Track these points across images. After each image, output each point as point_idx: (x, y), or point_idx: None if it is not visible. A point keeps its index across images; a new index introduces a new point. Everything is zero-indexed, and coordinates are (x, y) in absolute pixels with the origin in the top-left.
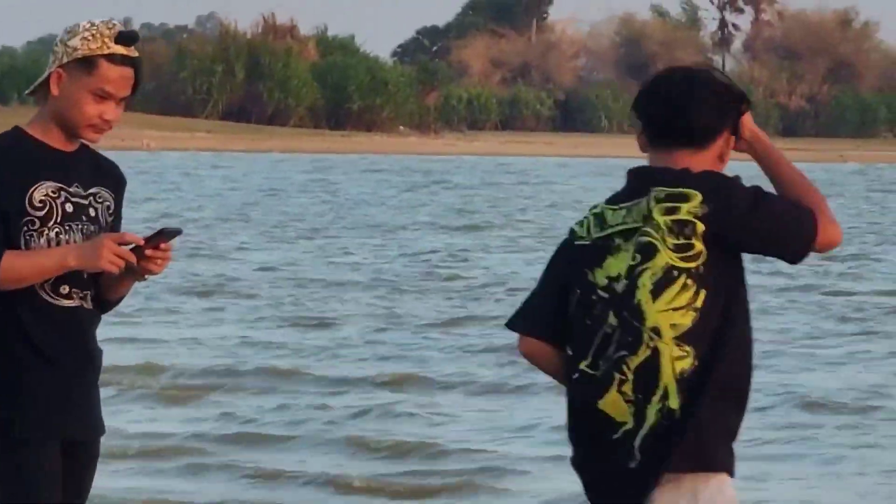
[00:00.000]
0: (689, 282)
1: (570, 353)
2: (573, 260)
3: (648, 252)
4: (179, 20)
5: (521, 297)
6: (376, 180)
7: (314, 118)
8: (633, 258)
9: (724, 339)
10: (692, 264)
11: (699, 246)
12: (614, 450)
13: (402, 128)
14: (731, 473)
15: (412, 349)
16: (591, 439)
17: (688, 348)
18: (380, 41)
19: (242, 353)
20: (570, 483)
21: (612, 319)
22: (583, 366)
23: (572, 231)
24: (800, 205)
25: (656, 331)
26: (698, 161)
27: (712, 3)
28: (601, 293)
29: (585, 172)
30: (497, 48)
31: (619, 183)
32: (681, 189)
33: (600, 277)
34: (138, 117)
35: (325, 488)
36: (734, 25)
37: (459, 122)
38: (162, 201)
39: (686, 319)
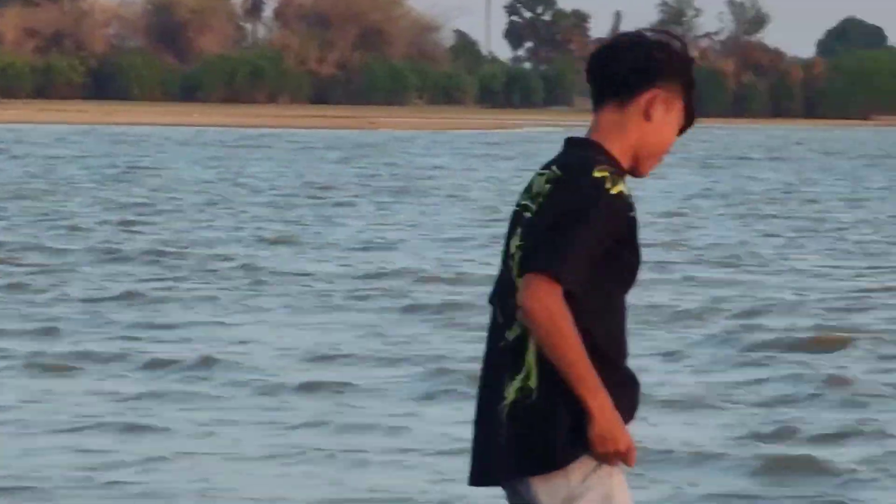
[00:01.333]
0: None
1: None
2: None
3: (523, 226)
4: None
5: None
6: None
7: None
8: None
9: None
10: None
11: None
12: (494, 423)
13: None
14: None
15: None
16: (479, 410)
17: None
18: None
19: None
20: None
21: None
22: (508, 334)
23: None
24: (555, 255)
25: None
26: (623, 118)
27: None
28: (510, 263)
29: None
30: (31, 17)
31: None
32: (555, 166)
33: (512, 247)
34: None
35: None
36: None
37: None
38: None
39: None
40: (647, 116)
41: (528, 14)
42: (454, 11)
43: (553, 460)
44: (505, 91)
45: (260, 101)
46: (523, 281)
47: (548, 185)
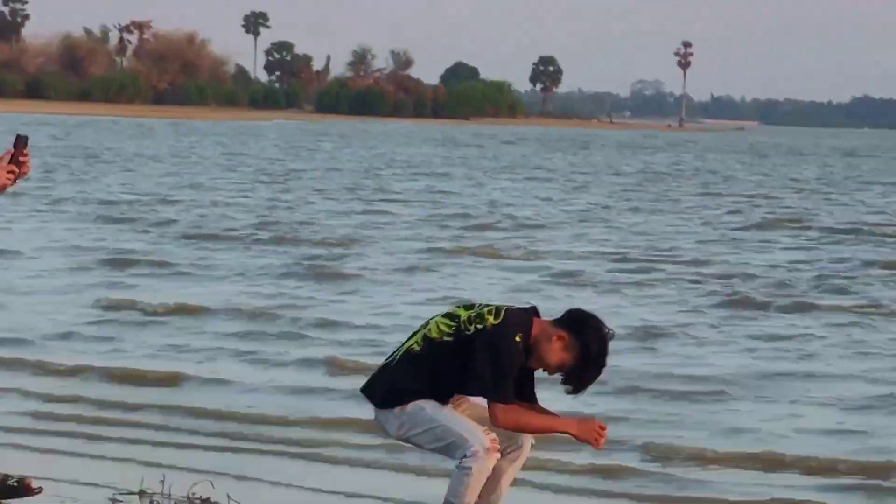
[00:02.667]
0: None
1: None
2: None
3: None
4: None
5: None
6: None
7: None
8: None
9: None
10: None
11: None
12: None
13: None
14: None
15: None
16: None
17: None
18: None
19: None
20: None
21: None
22: None
23: None
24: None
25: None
26: (550, 329)
27: None
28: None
29: None
30: None
31: None
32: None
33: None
34: None
35: None
36: None
37: None
38: None
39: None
40: (549, 339)
41: (276, 55)
42: (236, 55)
43: (389, 404)
44: (264, 100)
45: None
46: (491, 406)
47: (493, 319)
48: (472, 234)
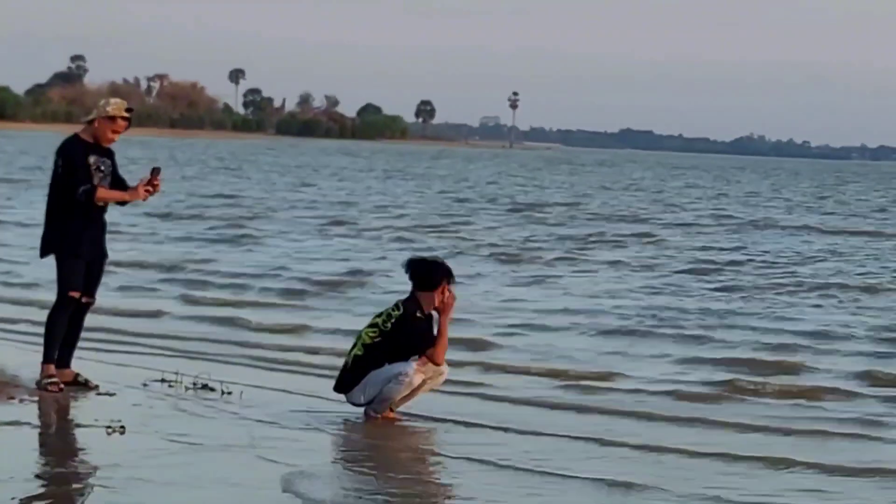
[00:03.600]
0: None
1: None
2: None
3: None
4: None
5: None
6: None
7: None
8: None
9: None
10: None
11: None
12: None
13: None
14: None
15: None
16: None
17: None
18: None
19: None
20: None
21: None
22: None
23: None
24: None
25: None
26: (427, 295)
27: None
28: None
29: None
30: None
31: None
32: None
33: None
34: None
35: None
36: None
37: None
38: None
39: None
40: (425, 299)
41: (250, 97)
42: (224, 96)
43: (351, 387)
44: (242, 125)
45: (147, 126)
46: (428, 353)
47: (397, 312)
48: (356, 211)
